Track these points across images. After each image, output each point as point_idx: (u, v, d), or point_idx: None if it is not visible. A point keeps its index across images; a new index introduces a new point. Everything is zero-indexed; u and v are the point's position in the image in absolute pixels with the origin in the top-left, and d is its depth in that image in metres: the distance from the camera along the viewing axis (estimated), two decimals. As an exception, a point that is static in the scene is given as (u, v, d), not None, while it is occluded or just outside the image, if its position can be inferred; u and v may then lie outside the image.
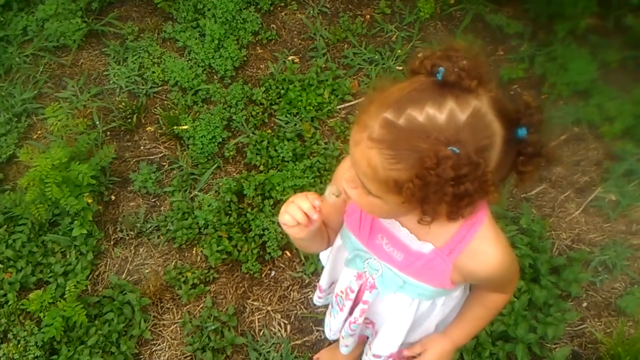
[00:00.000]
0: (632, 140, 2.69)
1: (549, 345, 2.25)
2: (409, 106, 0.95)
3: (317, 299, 1.77)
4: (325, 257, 1.66)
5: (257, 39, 3.04)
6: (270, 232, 2.43)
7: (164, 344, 2.30)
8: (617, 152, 2.68)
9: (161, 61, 2.94)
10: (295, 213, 1.19)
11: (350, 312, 1.53)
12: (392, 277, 1.33)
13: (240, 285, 2.40)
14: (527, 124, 0.99)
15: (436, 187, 0.94)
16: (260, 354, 2.25)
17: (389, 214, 1.17)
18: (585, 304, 2.36)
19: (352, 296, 1.47)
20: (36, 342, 2.23)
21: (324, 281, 1.67)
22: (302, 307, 2.36)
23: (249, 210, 2.50)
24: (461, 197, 0.95)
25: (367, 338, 1.71)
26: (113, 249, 2.48)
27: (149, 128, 2.78)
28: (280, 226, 1.26)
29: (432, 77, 0.98)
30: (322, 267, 2.34)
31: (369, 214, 1.28)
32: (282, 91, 2.83)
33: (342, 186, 1.16)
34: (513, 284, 1.39)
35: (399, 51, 2.97)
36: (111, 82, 2.91)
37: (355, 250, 1.37)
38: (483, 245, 1.19)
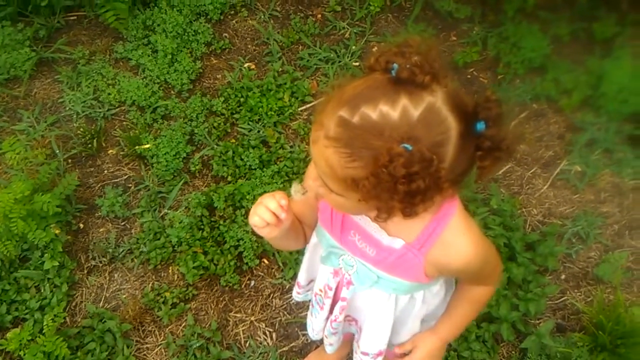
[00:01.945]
0: (591, 110, 2.74)
1: (532, 321, 2.28)
2: (363, 104, 0.95)
3: (296, 294, 1.77)
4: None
5: (210, 49, 3.01)
6: (245, 242, 2.41)
7: (150, 367, 2.27)
8: (577, 123, 2.72)
9: (116, 82, 2.90)
10: (264, 214, 1.20)
11: (331, 311, 1.53)
12: (366, 273, 1.33)
13: (221, 299, 2.37)
14: (485, 117, 0.99)
15: (388, 184, 0.94)
16: (248, 366, 2.24)
17: (354, 210, 1.17)
18: (563, 277, 2.39)
19: (331, 294, 1.47)
20: (19, 382, 2.19)
21: (301, 277, 1.67)
22: (285, 313, 2.35)
23: (221, 222, 2.48)
24: (413, 194, 0.94)
25: (354, 336, 1.71)
26: (87, 278, 2.44)
27: (111, 151, 2.74)
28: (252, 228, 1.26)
29: (387, 74, 0.98)
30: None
31: (338, 211, 1.28)
32: (242, 99, 2.81)
33: (310, 185, 1.15)
34: (494, 275, 1.38)
35: (354, 47, 2.97)
36: (67, 108, 2.85)
37: (330, 247, 1.37)
38: (454, 237, 1.18)
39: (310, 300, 1.65)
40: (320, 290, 1.50)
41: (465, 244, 1.19)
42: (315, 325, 1.62)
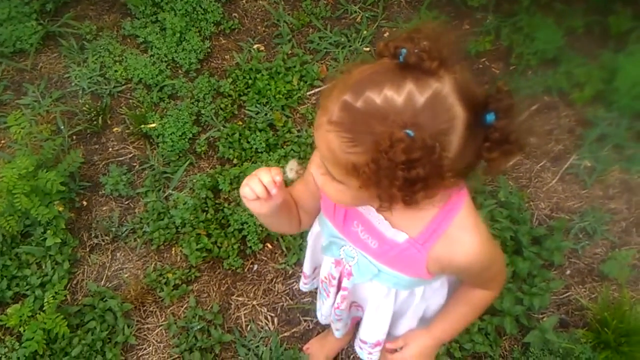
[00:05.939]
0: (603, 105, 2.70)
1: (536, 315, 2.26)
2: (368, 88, 0.93)
3: (303, 285, 1.77)
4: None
5: (219, 29, 2.97)
6: (249, 226, 2.39)
7: (150, 348, 2.26)
8: (588, 117, 2.69)
9: (123, 59, 2.86)
10: (256, 186, 1.17)
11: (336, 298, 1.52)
12: (367, 265, 1.31)
13: (223, 282, 2.36)
14: (496, 109, 0.96)
15: (387, 170, 0.91)
16: (249, 350, 2.22)
17: (355, 201, 1.12)
18: (568, 272, 2.37)
19: (335, 282, 1.46)
20: (18, 358, 2.17)
21: (306, 267, 1.67)
22: (287, 298, 2.33)
23: (226, 205, 2.46)
24: (413, 181, 0.92)
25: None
26: (89, 256, 2.42)
27: (116, 129, 2.71)
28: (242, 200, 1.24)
29: (396, 60, 0.96)
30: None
31: (337, 203, 1.24)
32: (250, 81, 2.78)
33: (313, 172, 1.13)
34: (498, 279, 1.35)
35: (365, 32, 2.93)
36: (73, 84, 2.82)
37: (331, 236, 1.35)
38: (459, 233, 1.15)
39: (317, 288, 1.65)
40: (325, 278, 1.50)
41: (470, 241, 1.16)
42: (324, 310, 1.62)
